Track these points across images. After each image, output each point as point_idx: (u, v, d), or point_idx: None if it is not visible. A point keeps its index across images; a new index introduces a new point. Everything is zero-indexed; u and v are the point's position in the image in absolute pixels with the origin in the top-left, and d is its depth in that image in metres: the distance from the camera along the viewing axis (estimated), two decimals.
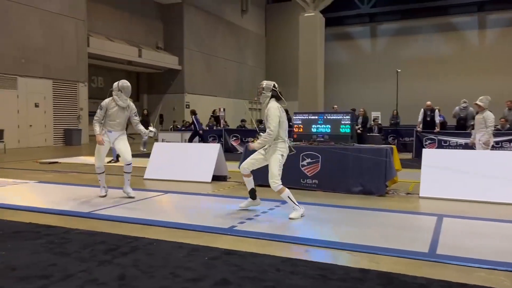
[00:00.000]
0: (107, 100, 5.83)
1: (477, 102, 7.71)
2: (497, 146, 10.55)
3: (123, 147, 5.99)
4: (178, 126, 19.00)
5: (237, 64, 30.59)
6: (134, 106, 6.08)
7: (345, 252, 3.62)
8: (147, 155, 9.19)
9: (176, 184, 7.29)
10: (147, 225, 4.47)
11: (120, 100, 5.80)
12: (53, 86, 17.58)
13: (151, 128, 6.21)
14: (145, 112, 16.04)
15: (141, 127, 6.16)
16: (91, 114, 19.72)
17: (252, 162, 5.10)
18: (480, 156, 6.59)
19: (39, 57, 16.88)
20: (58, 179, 7.96)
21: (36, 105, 16.97)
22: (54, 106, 17.67)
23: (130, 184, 6.07)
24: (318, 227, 4.51)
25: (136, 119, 6.09)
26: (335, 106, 16.38)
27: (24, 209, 5.25)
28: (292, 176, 6.77)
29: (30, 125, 16.62)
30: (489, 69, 26.32)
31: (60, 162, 10.81)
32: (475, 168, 6.03)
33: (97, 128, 5.82)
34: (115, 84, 5.86)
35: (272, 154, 4.88)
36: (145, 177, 7.96)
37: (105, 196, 6.02)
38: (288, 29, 30.69)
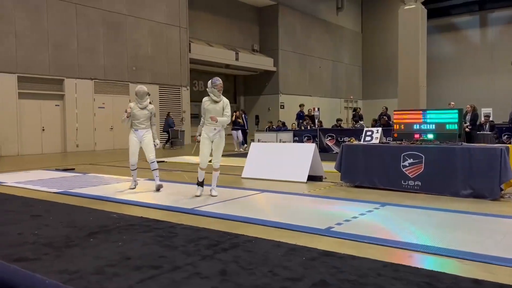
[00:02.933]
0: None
1: None
2: None
3: None
4: (273, 127, 19.27)
5: (333, 62, 30.13)
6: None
7: (454, 260, 3.35)
8: (244, 155, 9.48)
9: (272, 183, 7.39)
10: (246, 223, 4.60)
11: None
12: (159, 91, 19.00)
13: (157, 141, 6.93)
14: (237, 113, 16.50)
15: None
16: (193, 116, 20.99)
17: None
18: None
19: (147, 64, 18.38)
20: (164, 177, 8.56)
21: None
22: (160, 109, 19.09)
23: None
24: (422, 232, 4.24)
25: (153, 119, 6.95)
26: (452, 103, 15.21)
27: (137, 204, 5.75)
28: (392, 177, 6.47)
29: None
30: None
31: (166, 161, 11.62)
32: None
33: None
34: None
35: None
36: (242, 176, 8.21)
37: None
38: (386, 24, 29.45)
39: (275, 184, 7.32)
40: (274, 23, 25.85)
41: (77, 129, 16.07)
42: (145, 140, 6.79)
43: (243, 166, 8.49)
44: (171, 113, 18.87)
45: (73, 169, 9.98)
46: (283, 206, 5.74)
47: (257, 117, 24.63)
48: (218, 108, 6.11)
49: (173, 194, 6.49)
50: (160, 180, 6.95)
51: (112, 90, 17.16)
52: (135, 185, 7.03)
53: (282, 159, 8.03)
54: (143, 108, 6.76)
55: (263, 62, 25.57)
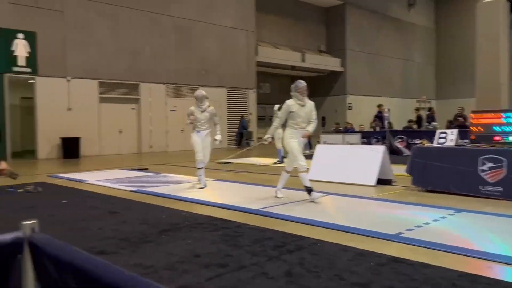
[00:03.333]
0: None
1: None
2: None
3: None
4: (341, 128, 18.94)
5: (403, 61, 28.98)
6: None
7: None
8: (309, 156, 9.40)
9: (338, 186, 7.28)
10: (311, 225, 4.57)
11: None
12: (227, 94, 19.47)
13: (217, 136, 7.37)
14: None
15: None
16: (260, 118, 21.25)
17: None
18: None
19: (216, 68, 18.91)
20: (232, 177, 8.76)
21: None
22: (228, 112, 19.55)
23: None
24: (503, 241, 3.95)
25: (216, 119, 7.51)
26: None
27: (205, 203, 5.95)
28: (469, 182, 6.09)
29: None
30: None
31: (233, 162, 11.88)
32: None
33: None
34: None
35: None
36: (308, 178, 8.15)
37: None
38: (462, 19, 27.75)
39: (342, 187, 7.20)
40: (341, 22, 25.42)
41: (151, 131, 16.94)
42: (205, 141, 7.31)
43: (309, 168, 8.43)
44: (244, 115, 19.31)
45: (147, 169, 10.53)
46: (350, 210, 5.63)
47: (323, 118, 24.34)
48: (307, 110, 5.97)
49: (240, 195, 6.62)
50: (227, 181, 7.14)
51: (183, 94, 17.87)
52: (204, 185, 7.31)
53: (350, 162, 7.87)
54: (203, 111, 7.28)
55: (330, 63, 25.23)
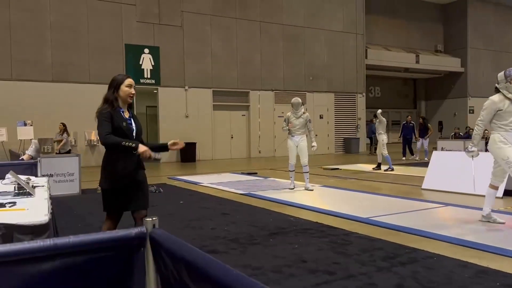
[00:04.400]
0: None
1: None
2: None
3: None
4: (461, 134, 17.41)
5: None
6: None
7: None
8: (422, 164, 8.83)
9: (457, 197, 6.69)
10: (426, 237, 4.27)
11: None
12: (334, 99, 19.22)
13: (313, 143, 7.58)
14: (420, 120, 15.47)
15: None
16: (368, 123, 20.61)
17: None
18: None
19: (324, 73, 18.80)
20: (339, 184, 8.60)
21: (321, 117, 18.90)
22: (335, 117, 19.27)
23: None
24: None
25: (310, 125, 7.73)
26: None
27: (312, 209, 5.93)
28: None
29: (316, 135, 18.65)
30: None
31: (341, 169, 11.66)
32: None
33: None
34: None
35: None
36: (423, 186, 7.66)
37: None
38: None
39: (460, 198, 6.60)
40: (462, 19, 23.42)
41: (259, 137, 17.47)
42: (301, 144, 7.59)
43: (423, 176, 7.91)
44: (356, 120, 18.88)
45: (256, 173, 10.87)
46: (470, 222, 5.13)
47: (440, 123, 22.65)
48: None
49: (348, 202, 6.46)
50: (335, 187, 7.04)
51: (291, 100, 18.11)
52: (293, 186, 7.81)
53: (470, 170, 7.17)
54: (298, 117, 7.57)
55: (448, 63, 23.39)
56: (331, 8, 19.01)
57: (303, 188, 7.70)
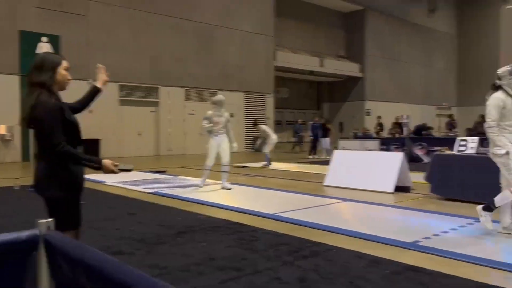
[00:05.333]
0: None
1: None
2: None
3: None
4: (359, 134, 18.79)
5: (424, 67, 28.60)
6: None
7: None
8: (327, 162, 9.36)
9: (355, 193, 7.21)
10: (327, 231, 4.54)
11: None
12: (245, 98, 19.54)
13: (234, 144, 7.60)
14: (323, 120, 16.45)
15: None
16: (277, 123, 21.28)
17: None
18: None
19: (235, 73, 19.01)
20: (248, 181, 8.78)
21: (231, 115, 19.08)
22: (245, 116, 19.60)
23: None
24: None
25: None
26: None
27: (221, 207, 5.96)
28: (491, 192, 5.94)
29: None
30: None
31: (249, 167, 11.89)
32: None
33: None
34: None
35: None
36: (325, 183, 8.12)
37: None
38: (485, 25, 27.30)
39: (359, 194, 7.13)
40: (361, 28, 25.26)
41: (169, 134, 17.12)
42: (223, 144, 7.49)
43: (325, 174, 8.39)
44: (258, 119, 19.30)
45: (165, 171, 10.63)
46: (366, 216, 5.57)
47: (341, 124, 24.20)
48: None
49: (256, 199, 6.62)
50: (244, 185, 7.16)
51: (202, 98, 18.01)
52: (203, 184, 7.70)
53: (367, 168, 7.79)
54: (221, 115, 7.46)
55: (349, 68, 25.07)
56: (242, 8, 19.29)
57: (220, 187, 7.63)
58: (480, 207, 4.51)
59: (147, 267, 3.34)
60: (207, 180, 8.01)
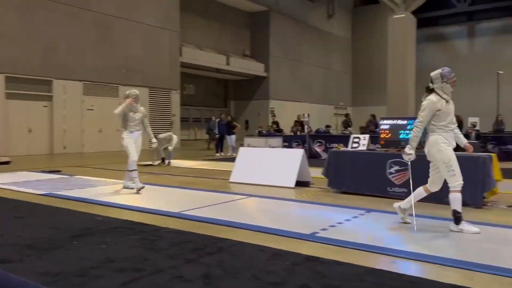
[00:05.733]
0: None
1: None
2: None
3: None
4: (263, 132, 19.32)
5: (323, 69, 30.34)
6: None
7: (435, 266, 3.39)
8: (233, 159, 9.49)
9: (259, 188, 7.40)
10: (232, 227, 4.60)
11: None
12: (149, 94, 18.94)
13: (153, 139, 7.32)
14: (229, 118, 16.66)
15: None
16: (183, 120, 20.98)
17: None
18: None
19: (138, 67, 18.31)
20: (152, 180, 8.53)
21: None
22: (150, 113, 19.01)
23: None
24: (406, 238, 4.29)
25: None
26: None
27: (122, 207, 5.71)
28: (378, 184, 6.53)
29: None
30: None
31: (153, 165, 11.57)
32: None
33: None
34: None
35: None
36: (230, 180, 8.21)
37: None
38: (376, 32, 29.78)
39: (263, 189, 7.34)
40: (266, 28, 25.98)
41: (64, 131, 15.93)
42: (138, 142, 7.07)
43: (231, 171, 8.49)
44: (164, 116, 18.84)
45: (60, 171, 9.88)
46: (269, 211, 5.76)
47: (246, 122, 24.69)
48: (452, 108, 4.62)
49: (160, 198, 6.46)
50: (147, 183, 6.94)
51: (102, 92, 17.06)
52: (142, 186, 6.85)
53: (271, 164, 8.05)
54: (137, 111, 7.00)
55: (254, 67, 25.64)
56: (147, 2, 18.66)
57: (123, 187, 7.19)
58: (452, 225, 4.47)
59: (37, 274, 3.08)
60: (108, 179, 7.62)
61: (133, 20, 18.02)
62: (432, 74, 4.68)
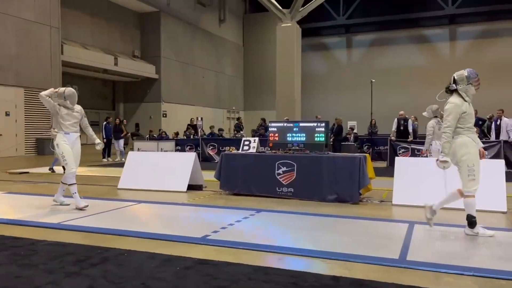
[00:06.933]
0: None
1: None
2: None
3: None
4: (155, 135, 18.82)
5: (215, 73, 30.59)
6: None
7: (318, 259, 3.63)
8: (122, 164, 9.06)
9: (150, 194, 7.19)
10: (119, 235, 4.39)
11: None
12: (25, 94, 17.19)
13: (97, 140, 6.15)
14: (117, 121, 15.89)
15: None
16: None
17: None
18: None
19: (12, 65, 16.50)
20: (28, 189, 7.75)
21: (7, 114, 16.55)
22: (25, 115, 17.26)
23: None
24: (293, 235, 4.52)
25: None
26: (319, 116, 16.52)
27: None
28: (268, 185, 6.78)
29: (0, 134, 16.16)
30: None
31: (30, 172, 10.53)
32: (444, 176, 6.06)
33: None
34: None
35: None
36: (118, 186, 7.83)
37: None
38: (266, 38, 30.95)
39: (153, 194, 7.13)
40: (156, 30, 25.33)
41: None
42: (77, 146, 5.92)
43: (119, 177, 8.10)
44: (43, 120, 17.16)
45: None
46: (160, 216, 5.62)
47: (137, 125, 23.79)
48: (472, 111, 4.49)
49: (37, 208, 5.89)
50: (22, 193, 6.27)
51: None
52: (86, 204, 5.79)
53: (162, 169, 7.86)
54: (74, 111, 5.90)
55: (145, 69, 24.82)
56: None
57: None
58: (467, 229, 4.36)
59: None
60: None
61: (5, 13, 16.19)
62: (455, 75, 4.46)
